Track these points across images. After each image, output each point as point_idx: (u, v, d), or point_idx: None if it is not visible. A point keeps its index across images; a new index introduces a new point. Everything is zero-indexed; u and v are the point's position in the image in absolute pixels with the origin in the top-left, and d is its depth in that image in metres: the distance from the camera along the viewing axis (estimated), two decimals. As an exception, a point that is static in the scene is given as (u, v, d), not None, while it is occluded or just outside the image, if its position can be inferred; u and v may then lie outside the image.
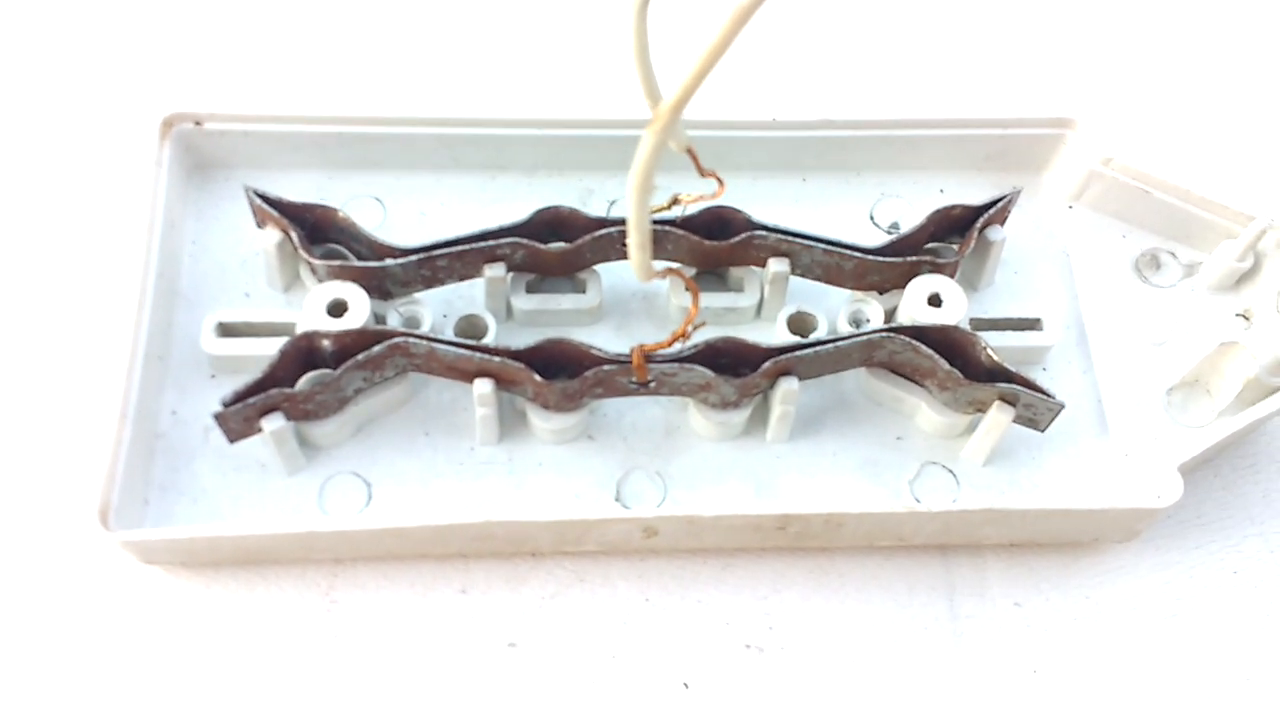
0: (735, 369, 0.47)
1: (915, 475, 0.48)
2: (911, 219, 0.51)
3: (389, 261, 0.47)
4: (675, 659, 0.46)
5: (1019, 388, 0.46)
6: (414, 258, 0.48)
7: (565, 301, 0.50)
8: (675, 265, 0.48)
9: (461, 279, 0.49)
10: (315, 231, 0.49)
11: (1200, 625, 0.48)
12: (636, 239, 0.38)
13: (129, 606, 0.46)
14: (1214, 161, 0.58)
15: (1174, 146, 0.59)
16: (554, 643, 0.46)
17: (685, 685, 0.46)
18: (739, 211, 0.49)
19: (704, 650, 0.46)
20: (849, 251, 0.49)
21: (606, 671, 0.46)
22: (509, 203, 0.53)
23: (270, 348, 0.46)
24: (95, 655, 0.45)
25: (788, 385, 0.47)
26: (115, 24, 0.60)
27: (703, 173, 0.43)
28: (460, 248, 0.48)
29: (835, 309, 0.50)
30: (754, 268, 0.50)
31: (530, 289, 0.50)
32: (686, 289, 0.46)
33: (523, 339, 0.46)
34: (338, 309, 0.47)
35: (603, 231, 0.48)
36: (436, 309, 0.50)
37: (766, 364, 0.46)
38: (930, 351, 0.46)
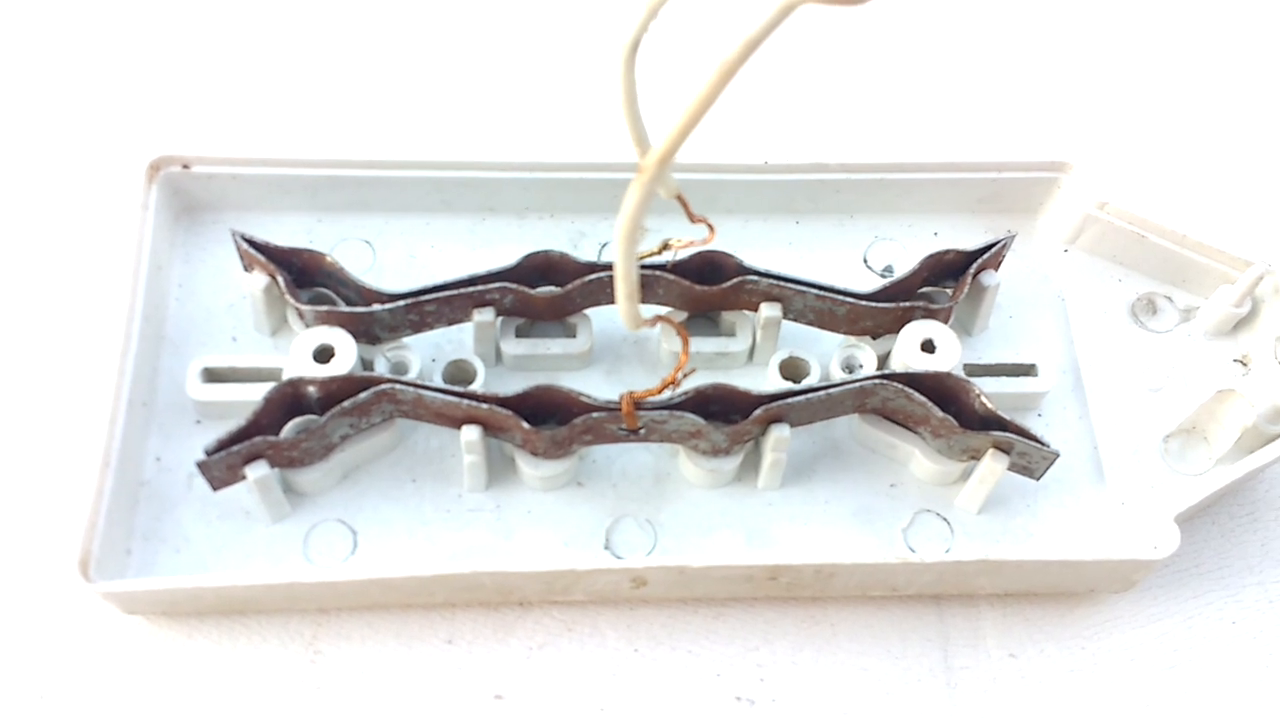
0: (726, 416, 0.46)
1: (909, 523, 0.48)
2: (905, 262, 0.51)
3: (376, 307, 0.47)
4: (665, 711, 0.45)
5: (1013, 436, 0.45)
6: (402, 303, 0.47)
7: (555, 346, 0.50)
8: (665, 313, 0.48)
9: (450, 324, 0.49)
10: (303, 276, 0.48)
11: (1198, 677, 0.47)
12: (624, 290, 0.38)
13: (110, 657, 0.45)
14: (1211, 206, 0.58)
15: (1170, 190, 0.58)
16: (542, 694, 0.45)
17: (675, 738, 0.45)
18: (730, 256, 0.48)
19: (694, 702, 0.45)
20: (841, 296, 0.48)
21: (595, 724, 0.45)
22: (499, 245, 0.52)
23: (256, 393, 0.45)
24: (77, 708, 0.44)
25: (779, 432, 0.46)
26: (103, 67, 0.60)
27: (693, 219, 0.43)
28: (449, 293, 0.47)
29: (828, 354, 0.49)
30: (746, 312, 0.50)
31: (520, 334, 0.50)
32: (677, 335, 0.45)
33: (512, 384, 0.46)
34: (324, 354, 0.46)
35: (593, 276, 0.48)
36: (425, 353, 0.49)
37: (757, 411, 0.45)
38: (923, 399, 0.46)
